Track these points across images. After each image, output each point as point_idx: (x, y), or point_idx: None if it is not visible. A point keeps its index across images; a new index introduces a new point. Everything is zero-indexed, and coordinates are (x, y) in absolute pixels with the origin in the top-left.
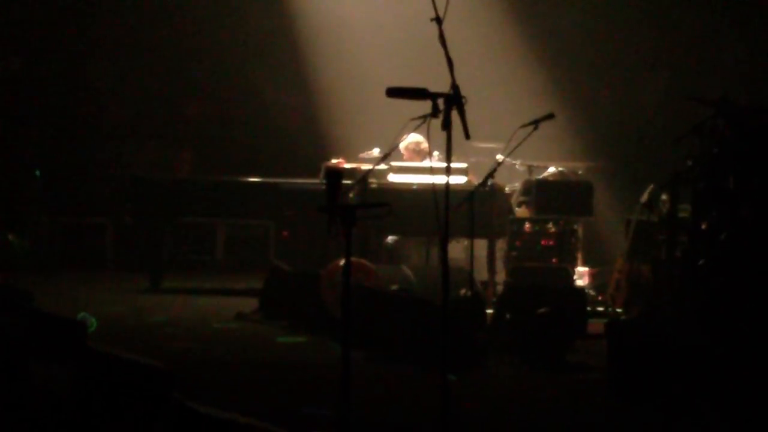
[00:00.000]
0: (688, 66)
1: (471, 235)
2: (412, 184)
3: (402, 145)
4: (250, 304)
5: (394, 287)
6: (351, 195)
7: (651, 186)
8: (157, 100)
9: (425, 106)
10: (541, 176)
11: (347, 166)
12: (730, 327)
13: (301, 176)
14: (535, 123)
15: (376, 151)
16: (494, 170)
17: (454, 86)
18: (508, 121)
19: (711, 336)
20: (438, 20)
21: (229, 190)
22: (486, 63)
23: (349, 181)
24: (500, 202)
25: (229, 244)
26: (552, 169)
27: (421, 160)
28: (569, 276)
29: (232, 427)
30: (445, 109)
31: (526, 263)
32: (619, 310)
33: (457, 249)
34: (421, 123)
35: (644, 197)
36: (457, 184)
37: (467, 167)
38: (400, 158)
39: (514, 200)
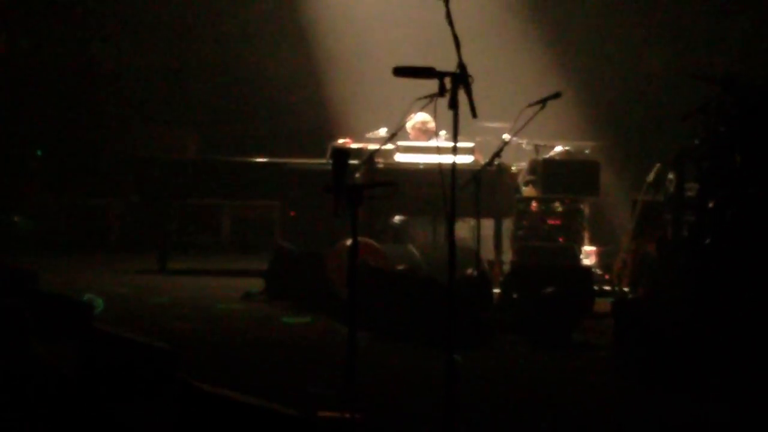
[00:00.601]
0: (694, 44)
1: (478, 214)
2: (418, 163)
3: (409, 125)
4: (255, 284)
5: (401, 267)
6: (357, 175)
7: (657, 165)
8: (163, 81)
9: (432, 85)
10: (547, 155)
11: (354, 146)
12: (737, 305)
13: (307, 156)
14: (542, 102)
15: (382, 131)
16: (501, 150)
17: (461, 65)
18: (515, 101)
19: (717, 315)
20: None
21: (235, 170)
22: (493, 42)
23: (355, 161)
24: (507, 182)
25: (235, 225)
26: (559, 149)
27: (428, 140)
28: (576, 255)
29: (237, 406)
30: (452, 89)
31: (532, 242)
32: (625, 289)
33: (463, 228)
34: (427, 102)
35: (650, 176)
36: (463, 164)
37: (474, 146)
38: (407, 138)
39: (520, 180)
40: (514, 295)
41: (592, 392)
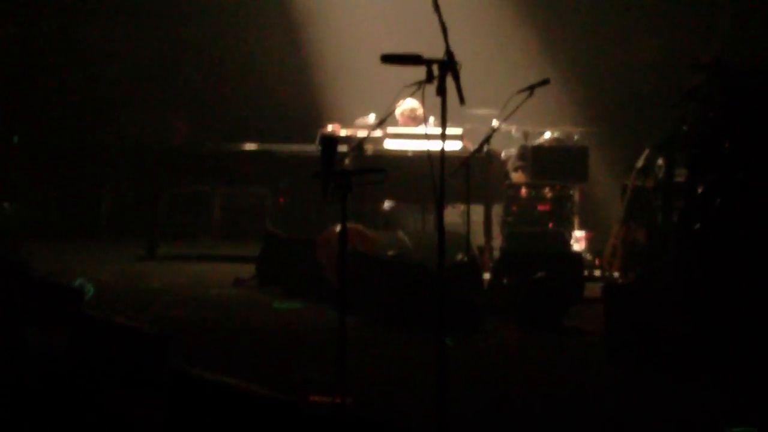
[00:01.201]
0: (683, 30)
1: (467, 200)
2: (407, 150)
3: (397, 112)
4: (246, 270)
5: (391, 253)
6: (346, 161)
7: (647, 151)
8: (152, 68)
9: (420, 72)
10: (536, 142)
11: (343, 132)
12: (726, 291)
13: (296, 143)
14: (531, 89)
15: (371, 118)
16: (490, 136)
17: (449, 52)
18: (503, 87)
19: (706, 300)
20: None
21: (224, 157)
22: (481, 29)
23: (344, 148)
24: (496, 168)
25: (225, 212)
26: (548, 135)
27: (417, 126)
28: (566, 241)
29: (228, 391)
30: (440, 76)
31: (522, 228)
32: (615, 274)
33: (453, 215)
34: (415, 89)
35: (640, 162)
36: (452, 150)
37: (463, 133)
38: (396, 124)
39: (510, 166)
40: (504, 281)
41: (583, 377)
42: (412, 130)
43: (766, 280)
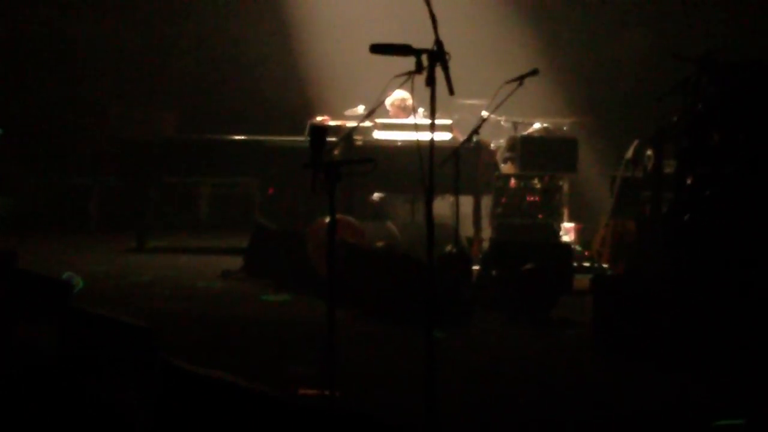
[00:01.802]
0: (671, 21)
1: (456, 191)
2: (397, 140)
3: (387, 102)
4: (234, 262)
5: (380, 244)
6: (335, 152)
7: (636, 142)
8: (141, 60)
9: (409, 62)
10: (526, 132)
11: (332, 123)
12: (715, 282)
13: (286, 134)
14: (520, 79)
15: (360, 108)
16: (479, 127)
17: (438, 43)
18: (492, 78)
19: (696, 291)
20: None
21: (213, 148)
22: (470, 20)
23: (333, 138)
24: (485, 159)
25: (213, 203)
26: (537, 126)
27: (407, 117)
28: (555, 232)
29: (217, 385)
30: (429, 66)
31: (511, 219)
32: (604, 265)
33: (442, 206)
34: (405, 80)
35: (629, 153)
36: (442, 141)
37: (452, 124)
38: (386, 115)
39: (499, 157)
40: (494, 272)
41: (572, 368)
42: (402, 121)
43: (755, 271)
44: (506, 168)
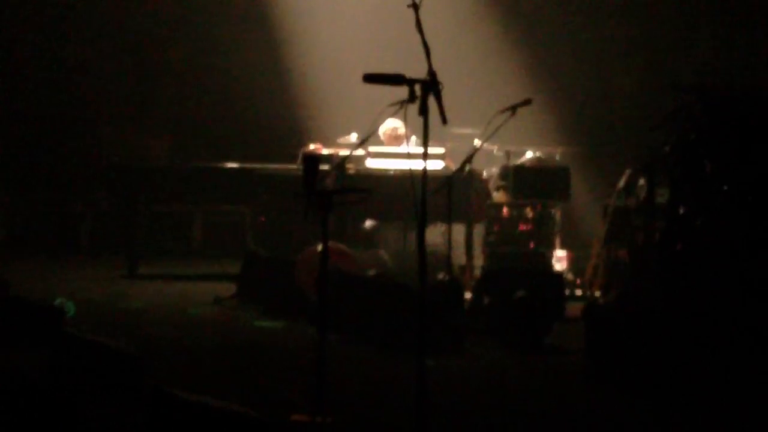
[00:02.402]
0: (664, 51)
1: (449, 219)
2: (389, 169)
3: (380, 131)
4: (226, 289)
5: (372, 272)
6: (328, 180)
7: (628, 171)
8: (134, 85)
9: (402, 91)
10: (518, 161)
11: (325, 151)
12: (707, 311)
13: (278, 162)
14: (513, 108)
15: (353, 137)
16: (472, 155)
17: (431, 72)
18: (485, 107)
19: (687, 320)
20: (415, 6)
21: (205, 176)
22: (463, 49)
23: (326, 167)
24: (478, 187)
25: (205, 230)
26: (529, 154)
27: (399, 146)
28: (547, 260)
29: (209, 411)
30: (422, 95)
31: (503, 248)
32: (596, 294)
33: (434, 234)
34: (398, 109)
35: (621, 182)
36: (434, 170)
37: (445, 152)
38: (379, 143)
39: (491, 185)
40: (486, 300)
41: (564, 396)
42: (394, 149)
43: (747, 299)
44: (499, 196)
